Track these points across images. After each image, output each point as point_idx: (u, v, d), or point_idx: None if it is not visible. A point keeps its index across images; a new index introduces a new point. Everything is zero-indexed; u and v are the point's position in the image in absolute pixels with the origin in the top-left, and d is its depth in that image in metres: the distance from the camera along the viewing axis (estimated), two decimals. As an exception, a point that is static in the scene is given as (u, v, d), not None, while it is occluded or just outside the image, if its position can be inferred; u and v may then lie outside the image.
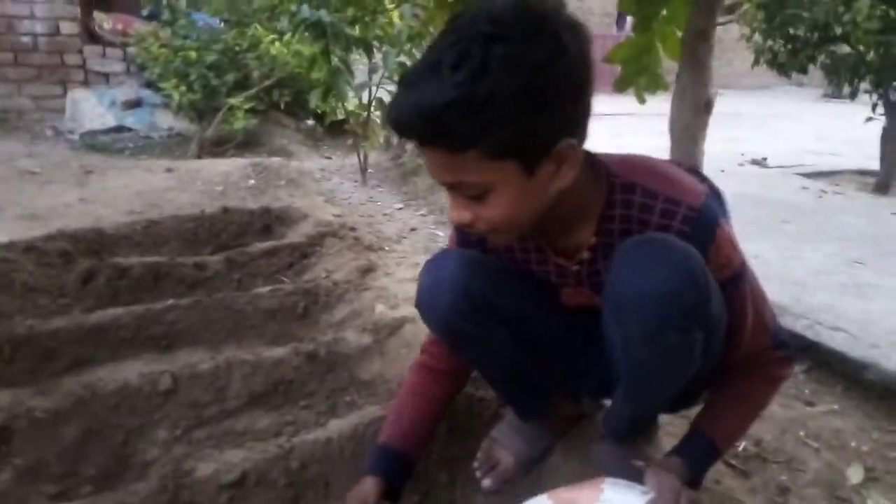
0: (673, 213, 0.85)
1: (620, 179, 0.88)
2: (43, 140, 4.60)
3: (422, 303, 0.99)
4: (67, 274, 1.97)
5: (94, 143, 4.48)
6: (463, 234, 1.03)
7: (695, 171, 1.02)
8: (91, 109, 4.88)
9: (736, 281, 0.89)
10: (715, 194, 0.95)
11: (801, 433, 1.48)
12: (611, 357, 0.93)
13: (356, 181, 3.74)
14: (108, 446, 1.32)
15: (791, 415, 1.56)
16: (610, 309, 0.85)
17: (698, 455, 0.98)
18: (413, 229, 2.85)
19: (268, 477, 1.14)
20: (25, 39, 5.07)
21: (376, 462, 1.06)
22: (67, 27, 5.17)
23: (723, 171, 4.34)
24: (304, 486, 1.15)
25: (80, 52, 5.24)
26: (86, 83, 5.22)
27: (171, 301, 1.78)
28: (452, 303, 0.95)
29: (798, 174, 4.39)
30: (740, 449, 1.38)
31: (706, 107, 1.79)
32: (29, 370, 1.56)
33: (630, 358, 0.87)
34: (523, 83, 0.71)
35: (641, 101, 2.04)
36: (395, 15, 3.41)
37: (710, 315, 0.83)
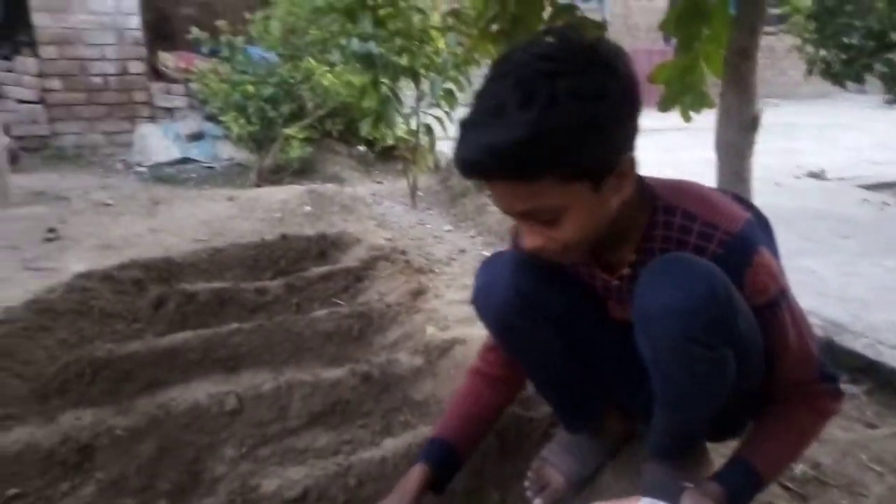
0: (710, 237, 0.89)
1: (664, 202, 0.93)
2: (114, 173, 4.90)
3: (477, 301, 1.07)
4: (140, 300, 2.11)
5: (161, 174, 4.74)
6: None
7: (742, 199, 1.04)
8: (157, 143, 5.18)
9: (773, 307, 0.90)
10: (761, 223, 0.98)
11: (863, 456, 1.44)
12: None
13: (406, 205, 3.83)
14: (181, 463, 1.41)
15: (852, 437, 1.52)
16: (637, 324, 0.89)
17: (738, 482, 0.98)
18: (462, 251, 2.91)
19: (327, 493, 1.20)
20: (97, 80, 5.44)
21: (425, 451, 1.13)
22: (135, 67, 5.53)
23: (778, 184, 4.24)
24: (361, 502, 1.21)
25: (147, 89, 5.59)
26: (152, 118, 5.55)
27: (235, 325, 1.88)
28: (505, 300, 1.01)
29: (858, 186, 4.24)
30: (797, 472, 1.36)
31: (752, 124, 1.79)
32: (108, 391, 1.68)
33: (659, 373, 0.91)
34: (589, 110, 0.77)
35: (687, 119, 2.05)
36: (441, 44, 3.51)
37: (737, 334, 0.86)
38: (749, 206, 1.00)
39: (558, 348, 1.08)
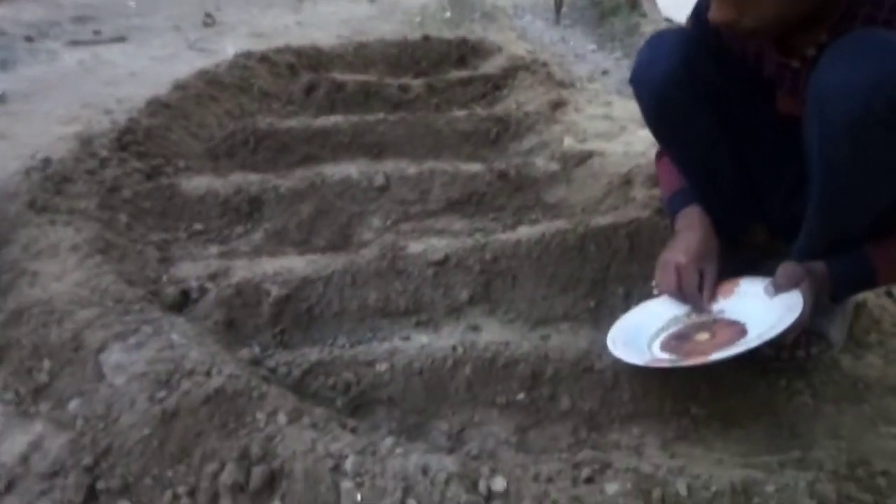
0: None
1: None
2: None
3: (637, 75, 1.02)
4: (293, 84, 2.24)
5: (303, -29, 4.71)
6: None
7: None
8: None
9: None
10: None
11: None
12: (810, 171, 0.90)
13: (549, 20, 3.62)
14: (334, 225, 1.57)
15: None
16: (812, 102, 0.82)
17: (848, 270, 0.95)
18: (605, 72, 2.76)
19: (465, 262, 1.31)
20: None
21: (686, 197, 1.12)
22: None
23: None
24: (495, 275, 1.31)
25: None
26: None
27: (381, 115, 1.96)
28: (668, 70, 0.97)
29: None
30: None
31: None
32: (269, 160, 1.86)
33: (828, 158, 0.84)
34: None
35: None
36: None
37: None
38: None
39: (714, 135, 1.03)
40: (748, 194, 1.11)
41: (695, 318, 1.03)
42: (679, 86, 0.97)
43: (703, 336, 0.99)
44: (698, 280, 1.04)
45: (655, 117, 1.06)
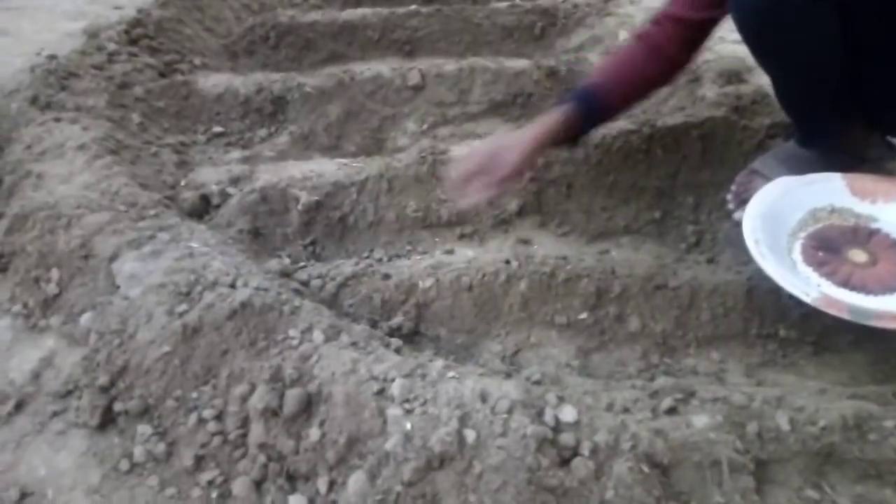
0: None
1: None
2: None
3: None
4: (315, -25, 2.03)
5: None
6: None
7: None
8: None
9: None
10: None
11: None
12: None
13: None
14: (365, 128, 1.43)
15: None
16: None
17: None
18: (659, -36, 2.48)
19: (515, 168, 1.16)
20: None
21: (572, 93, 1.01)
22: None
23: None
24: (548, 183, 1.17)
25: None
26: None
27: (413, 7, 1.77)
28: None
29: None
30: None
31: None
32: (292, 58, 1.69)
33: None
34: None
35: None
36: None
37: None
38: None
39: (832, 40, 0.86)
40: (851, 97, 0.94)
41: (837, 217, 0.88)
42: (791, 7, 0.79)
43: (860, 256, 0.84)
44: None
45: (757, 41, 0.88)
